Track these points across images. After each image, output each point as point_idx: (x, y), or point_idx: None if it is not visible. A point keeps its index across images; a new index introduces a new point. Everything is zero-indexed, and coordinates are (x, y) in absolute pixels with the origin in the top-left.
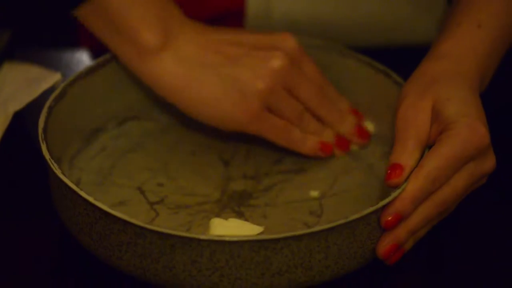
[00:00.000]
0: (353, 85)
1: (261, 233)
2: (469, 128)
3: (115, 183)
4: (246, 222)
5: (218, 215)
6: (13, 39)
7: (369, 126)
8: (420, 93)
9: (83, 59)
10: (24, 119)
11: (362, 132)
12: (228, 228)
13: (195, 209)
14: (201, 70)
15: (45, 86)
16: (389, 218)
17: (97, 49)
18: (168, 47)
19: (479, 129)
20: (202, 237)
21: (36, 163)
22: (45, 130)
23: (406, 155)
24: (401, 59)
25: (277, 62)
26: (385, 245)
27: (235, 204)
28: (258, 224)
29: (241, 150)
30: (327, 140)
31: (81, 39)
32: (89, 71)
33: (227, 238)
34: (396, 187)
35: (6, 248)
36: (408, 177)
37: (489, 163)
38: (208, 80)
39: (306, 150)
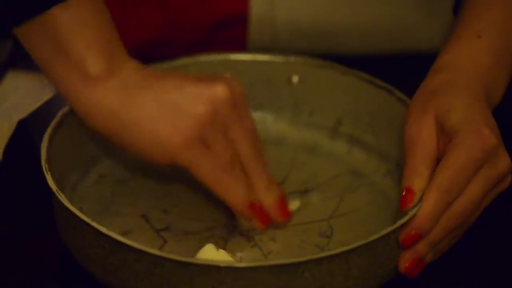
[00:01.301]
0: (354, 103)
1: (271, 257)
2: (472, 133)
3: (118, 212)
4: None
5: (227, 240)
6: (16, 48)
7: (293, 204)
8: (421, 110)
9: None
10: (28, 127)
11: (284, 209)
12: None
13: (203, 235)
14: (142, 93)
15: (49, 94)
16: (408, 238)
17: None
18: (113, 75)
19: (482, 131)
20: (223, 264)
21: (40, 172)
22: (47, 160)
23: (416, 178)
24: (406, 67)
25: (221, 90)
26: (406, 260)
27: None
28: (269, 248)
29: None
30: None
31: None
32: None
33: (248, 265)
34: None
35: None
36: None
37: (502, 163)
38: (146, 102)
39: (233, 200)
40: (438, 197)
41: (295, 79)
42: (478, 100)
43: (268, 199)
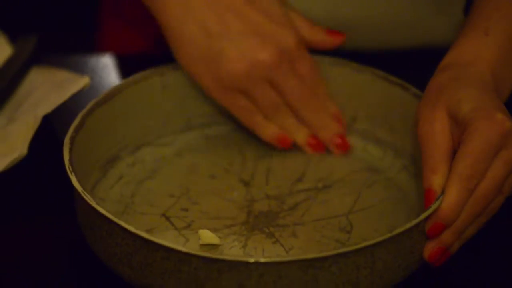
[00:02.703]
0: (369, 99)
1: (292, 253)
2: (487, 120)
3: (138, 211)
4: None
5: (248, 237)
6: (40, 45)
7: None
8: (431, 106)
9: (108, 63)
10: (53, 122)
11: (343, 144)
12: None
13: (224, 232)
14: (195, 28)
15: (73, 89)
16: (433, 228)
17: (118, 53)
18: None
19: (495, 116)
20: (250, 260)
21: (63, 167)
22: (70, 161)
23: (435, 176)
24: (420, 63)
25: (264, 55)
26: (431, 248)
27: (263, 225)
28: (290, 244)
29: (260, 170)
30: (299, 139)
31: (101, 44)
32: (105, 99)
33: (275, 260)
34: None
35: (22, 250)
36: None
37: None
38: (196, 38)
39: (264, 137)
40: (460, 186)
41: None
42: (487, 90)
43: (325, 134)
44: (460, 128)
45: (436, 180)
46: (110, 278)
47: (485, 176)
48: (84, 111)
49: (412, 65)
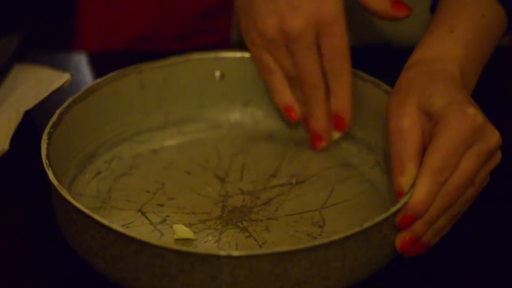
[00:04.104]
0: None
1: (265, 247)
2: (458, 114)
3: (115, 207)
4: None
5: (222, 232)
6: (23, 42)
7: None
8: (400, 102)
9: (90, 61)
10: (34, 117)
11: (314, 145)
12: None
13: (198, 227)
14: None
15: (55, 85)
16: (403, 220)
17: (93, 52)
18: None
19: (467, 110)
20: (222, 253)
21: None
22: (48, 156)
23: (403, 179)
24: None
25: (288, 25)
26: (402, 238)
27: (237, 220)
28: (264, 238)
29: (236, 166)
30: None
31: (77, 43)
32: (83, 96)
33: (246, 253)
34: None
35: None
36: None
37: (491, 138)
38: None
39: (275, 101)
40: (430, 179)
41: None
42: (456, 85)
43: (310, 123)
44: (432, 123)
45: (404, 182)
46: (86, 272)
47: (456, 169)
48: (61, 108)
49: (382, 61)
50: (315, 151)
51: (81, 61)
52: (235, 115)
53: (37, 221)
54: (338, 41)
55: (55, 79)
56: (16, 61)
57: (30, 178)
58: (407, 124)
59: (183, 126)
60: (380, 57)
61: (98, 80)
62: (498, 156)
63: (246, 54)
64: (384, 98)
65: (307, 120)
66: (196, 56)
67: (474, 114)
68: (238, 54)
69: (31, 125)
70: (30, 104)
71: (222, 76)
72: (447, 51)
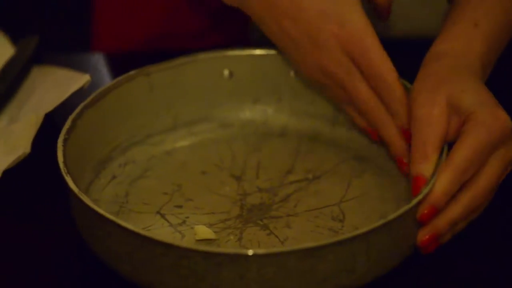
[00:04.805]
0: None
1: (287, 243)
2: (491, 116)
3: (133, 210)
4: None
5: (242, 230)
6: (40, 44)
7: None
8: (431, 91)
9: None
10: (55, 120)
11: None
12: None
13: (219, 227)
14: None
15: (74, 87)
16: (425, 212)
17: (110, 53)
18: None
19: (501, 115)
20: (249, 252)
21: None
22: (65, 163)
23: (426, 165)
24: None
25: (324, 61)
26: (424, 234)
27: (257, 218)
28: (285, 235)
29: (251, 164)
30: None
31: (94, 44)
32: (93, 102)
33: (273, 251)
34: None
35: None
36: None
37: None
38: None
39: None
40: (454, 176)
41: (292, 71)
42: (483, 82)
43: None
44: (460, 118)
45: (427, 168)
46: (108, 276)
47: (483, 172)
48: (74, 114)
49: (395, 55)
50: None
51: (100, 62)
52: (246, 113)
53: (57, 226)
54: (376, 58)
55: (74, 81)
56: (35, 63)
57: (52, 181)
58: (437, 113)
59: (193, 126)
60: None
61: (108, 85)
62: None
63: (254, 51)
64: None
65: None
66: (204, 55)
67: (505, 119)
68: (245, 52)
69: (52, 127)
70: (50, 106)
71: (231, 74)
72: (473, 46)
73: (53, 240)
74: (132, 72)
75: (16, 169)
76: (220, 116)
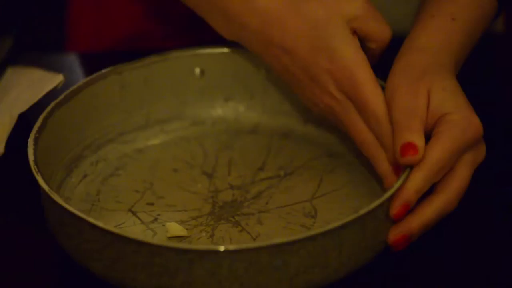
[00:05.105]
0: None
1: (259, 240)
2: (466, 120)
3: (105, 208)
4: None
5: (214, 228)
6: (15, 45)
7: None
8: (414, 82)
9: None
10: (29, 120)
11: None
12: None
13: (191, 224)
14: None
15: (48, 87)
16: (398, 209)
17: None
18: None
19: (475, 120)
20: (220, 248)
21: None
22: (35, 162)
23: (416, 135)
24: None
25: (317, 100)
26: (396, 234)
27: (229, 214)
28: (257, 231)
29: (222, 162)
30: None
31: (69, 43)
32: (65, 100)
33: (245, 246)
34: (411, 164)
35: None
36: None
37: (483, 151)
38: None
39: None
40: (428, 174)
41: (263, 68)
42: (459, 85)
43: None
44: (433, 114)
45: (417, 138)
46: (81, 275)
47: (456, 177)
48: (45, 113)
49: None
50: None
51: (75, 62)
52: (217, 111)
53: (30, 226)
54: (366, 95)
55: (48, 81)
56: (9, 64)
57: (27, 182)
58: (422, 103)
59: (166, 124)
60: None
61: (79, 83)
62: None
63: (225, 50)
64: None
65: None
66: (175, 54)
67: (478, 125)
68: (217, 50)
69: (25, 128)
70: (24, 107)
71: (202, 72)
72: (450, 41)
73: (26, 240)
74: (104, 71)
75: None
76: (192, 114)
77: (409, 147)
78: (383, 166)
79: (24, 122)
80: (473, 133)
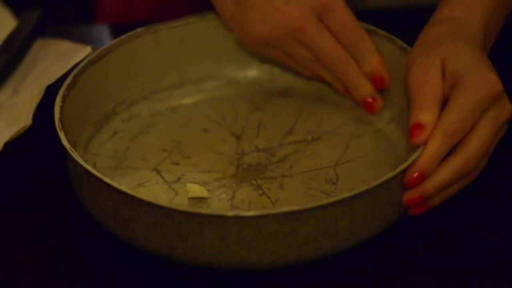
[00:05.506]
0: None
1: (278, 204)
2: (479, 77)
3: (130, 166)
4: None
5: (236, 190)
6: (43, 17)
7: None
8: (426, 55)
9: (111, 33)
10: (56, 92)
11: (371, 104)
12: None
13: (213, 185)
14: None
15: (76, 59)
16: (412, 178)
17: (114, 24)
18: None
19: (489, 76)
20: (229, 213)
21: None
22: (61, 119)
23: (424, 113)
24: (405, 21)
25: (285, 20)
26: (411, 195)
27: (252, 178)
28: (277, 195)
29: (252, 123)
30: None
31: (98, 15)
32: (97, 58)
33: (253, 213)
34: (420, 145)
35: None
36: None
37: (506, 107)
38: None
39: (303, 73)
40: (443, 139)
41: None
42: (480, 48)
43: (353, 94)
44: (450, 81)
45: (426, 116)
46: (101, 233)
47: (474, 135)
48: (76, 70)
49: (398, 22)
50: (373, 114)
51: (103, 33)
52: (253, 72)
53: (58, 196)
54: (344, 15)
55: (76, 53)
56: (38, 36)
57: (53, 153)
58: (433, 76)
59: (200, 84)
60: (396, 19)
61: (113, 41)
62: (505, 128)
63: None
64: (399, 53)
65: (351, 94)
66: (212, 14)
67: (494, 81)
68: None
69: (53, 99)
70: (52, 78)
71: None
72: (475, 10)
73: (55, 211)
74: (138, 30)
75: (17, 142)
76: (227, 74)
77: (416, 127)
78: (357, 77)
79: (53, 93)
80: (488, 90)
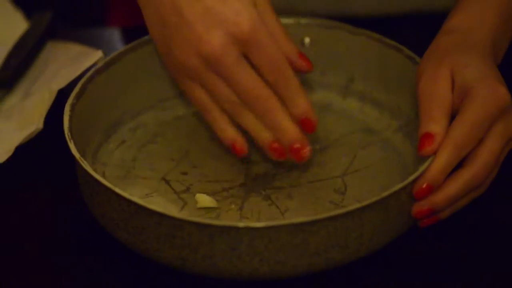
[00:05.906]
0: (365, 61)
1: (287, 215)
2: (488, 89)
3: (139, 176)
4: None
5: (244, 200)
6: (55, 19)
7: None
8: (436, 65)
9: (122, 37)
10: (68, 96)
11: (298, 150)
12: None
13: (221, 195)
14: (152, 14)
15: (87, 63)
16: (421, 189)
17: (126, 27)
18: None
19: (499, 89)
20: (240, 225)
21: None
22: (70, 128)
23: (434, 123)
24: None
25: (206, 47)
26: (420, 207)
27: (260, 187)
28: (286, 205)
29: None
30: (261, 142)
31: (110, 19)
32: (105, 67)
33: (264, 224)
34: (430, 155)
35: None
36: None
37: None
38: (153, 24)
39: (220, 137)
40: (452, 151)
41: (306, 40)
42: (490, 59)
43: (278, 138)
44: (459, 93)
45: (435, 127)
46: (111, 243)
47: (483, 149)
48: (84, 79)
49: (405, 30)
50: (300, 163)
51: (114, 37)
52: None
53: (67, 200)
54: (271, 51)
55: (87, 57)
56: (49, 38)
57: (64, 156)
58: (442, 86)
59: None
60: (404, 26)
61: (121, 50)
62: None
63: None
64: (407, 62)
65: (277, 142)
66: None
67: (503, 93)
68: None
69: (63, 103)
70: (63, 83)
71: None
72: (484, 20)
73: (64, 215)
74: (146, 37)
75: (29, 145)
76: None
77: (426, 137)
78: (282, 118)
79: (64, 98)
80: (497, 103)
